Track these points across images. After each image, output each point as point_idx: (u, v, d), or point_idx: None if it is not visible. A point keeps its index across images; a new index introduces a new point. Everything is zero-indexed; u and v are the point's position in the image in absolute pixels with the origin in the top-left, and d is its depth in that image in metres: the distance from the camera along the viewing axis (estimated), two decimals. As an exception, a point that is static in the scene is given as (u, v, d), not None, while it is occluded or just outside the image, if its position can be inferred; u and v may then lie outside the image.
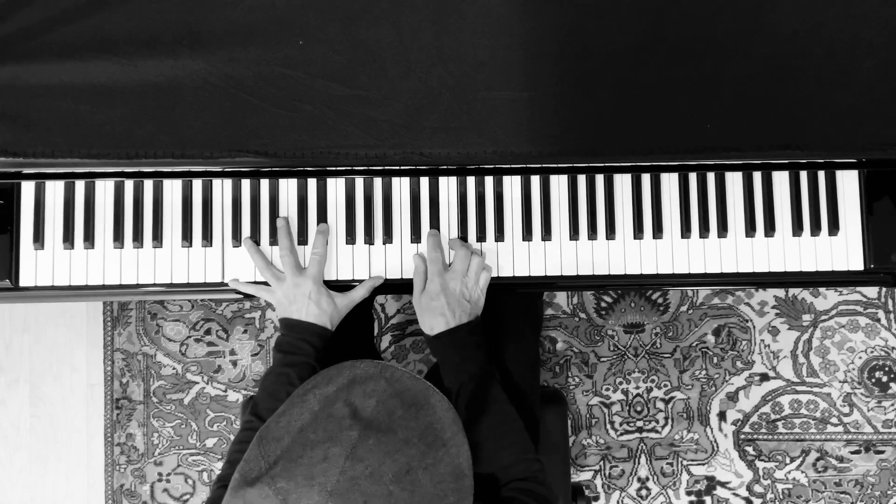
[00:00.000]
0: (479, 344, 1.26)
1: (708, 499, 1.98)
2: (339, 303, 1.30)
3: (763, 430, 1.98)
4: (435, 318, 1.26)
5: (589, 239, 1.34)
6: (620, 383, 1.98)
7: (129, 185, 1.34)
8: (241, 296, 1.35)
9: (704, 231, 1.34)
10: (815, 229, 1.34)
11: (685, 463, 1.98)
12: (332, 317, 1.29)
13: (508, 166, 1.33)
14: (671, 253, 1.35)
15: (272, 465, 0.84)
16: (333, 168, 1.32)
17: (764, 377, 1.98)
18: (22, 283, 1.33)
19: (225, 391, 1.98)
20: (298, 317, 1.27)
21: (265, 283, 1.32)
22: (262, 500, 0.82)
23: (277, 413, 0.89)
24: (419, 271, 1.31)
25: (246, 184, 1.34)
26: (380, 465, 0.82)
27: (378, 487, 0.81)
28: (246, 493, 0.83)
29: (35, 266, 1.34)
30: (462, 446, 0.90)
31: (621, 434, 1.98)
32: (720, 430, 1.98)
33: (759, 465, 1.98)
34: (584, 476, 1.98)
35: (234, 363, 1.99)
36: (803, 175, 1.35)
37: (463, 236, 1.34)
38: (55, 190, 1.34)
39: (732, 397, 1.98)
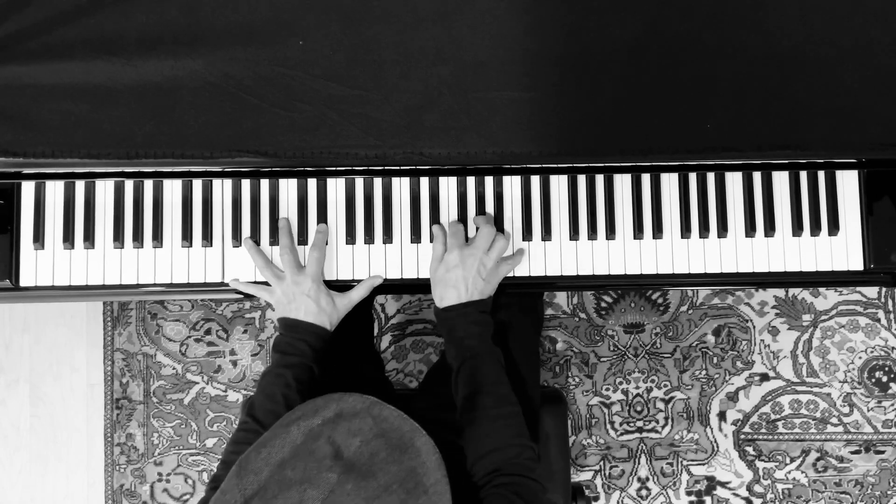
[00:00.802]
0: (487, 323, 1.26)
1: (708, 499, 1.98)
2: (339, 303, 1.30)
3: (763, 430, 1.98)
4: (447, 290, 1.26)
5: (589, 239, 1.34)
6: (620, 383, 1.98)
7: (129, 185, 1.34)
8: (241, 296, 1.35)
9: (704, 231, 1.34)
10: (815, 229, 1.34)
11: (685, 463, 1.98)
12: (331, 316, 1.29)
13: (508, 166, 1.33)
14: (671, 253, 1.35)
15: (248, 499, 0.82)
16: (333, 168, 1.32)
17: (764, 377, 1.98)
18: (22, 283, 1.34)
19: (225, 391, 1.98)
20: (297, 316, 1.27)
21: (266, 284, 1.32)
22: None
23: (259, 442, 0.87)
24: (439, 240, 1.30)
25: (246, 184, 1.34)
26: None
27: None
28: None
29: (35, 266, 1.34)
30: (443, 494, 0.87)
31: (621, 434, 1.98)
32: (720, 430, 1.98)
33: (759, 465, 1.98)
34: (584, 476, 1.98)
35: (234, 363, 1.99)
36: (803, 175, 1.35)
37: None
38: (55, 190, 1.34)
39: (732, 397, 1.98)
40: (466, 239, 1.32)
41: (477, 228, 1.31)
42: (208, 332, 1.99)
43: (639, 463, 1.98)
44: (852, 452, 1.97)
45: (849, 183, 1.35)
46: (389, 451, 0.85)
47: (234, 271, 1.34)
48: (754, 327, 1.98)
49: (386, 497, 0.82)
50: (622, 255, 1.34)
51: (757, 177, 1.35)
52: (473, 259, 1.26)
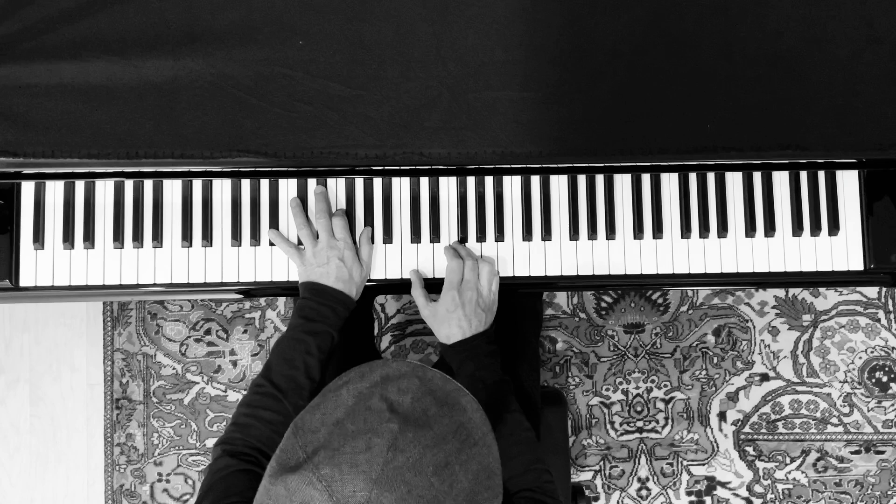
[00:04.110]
0: (494, 352, 1.27)
1: (708, 499, 1.98)
2: (363, 274, 1.30)
3: (763, 431, 1.98)
4: (452, 329, 1.27)
5: (589, 239, 1.34)
6: (620, 383, 1.98)
7: (129, 185, 1.34)
8: (240, 295, 1.35)
9: (704, 231, 1.34)
10: (816, 229, 1.34)
11: (685, 463, 1.98)
12: (358, 286, 1.29)
13: (508, 166, 1.33)
14: (671, 253, 1.35)
15: (312, 454, 0.83)
16: (333, 168, 1.32)
17: (764, 377, 1.98)
18: (22, 283, 1.33)
19: (225, 391, 1.98)
20: (326, 282, 1.26)
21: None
22: (305, 487, 0.82)
23: (311, 406, 0.89)
24: (418, 285, 1.31)
25: (246, 184, 1.34)
26: (420, 458, 0.82)
27: (420, 479, 0.82)
28: (287, 479, 0.83)
29: (35, 266, 1.34)
30: (492, 447, 0.89)
31: (621, 434, 1.98)
32: (720, 430, 1.98)
33: (760, 465, 1.98)
34: (584, 476, 1.98)
35: (234, 363, 1.99)
36: (803, 175, 1.36)
37: (463, 236, 1.34)
38: (55, 190, 1.34)
39: (732, 397, 1.98)
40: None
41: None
42: (208, 332, 1.99)
43: (639, 463, 1.98)
44: (852, 452, 1.97)
45: (849, 183, 1.35)
46: (439, 406, 0.87)
47: (233, 271, 1.34)
48: (754, 327, 1.98)
49: (444, 446, 0.84)
50: (622, 255, 1.34)
51: (757, 177, 1.35)
52: (471, 293, 1.27)
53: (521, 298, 1.54)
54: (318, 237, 1.30)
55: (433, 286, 1.33)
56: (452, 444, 0.85)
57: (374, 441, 0.82)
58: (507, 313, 1.47)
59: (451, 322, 1.26)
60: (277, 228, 1.34)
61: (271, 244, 1.34)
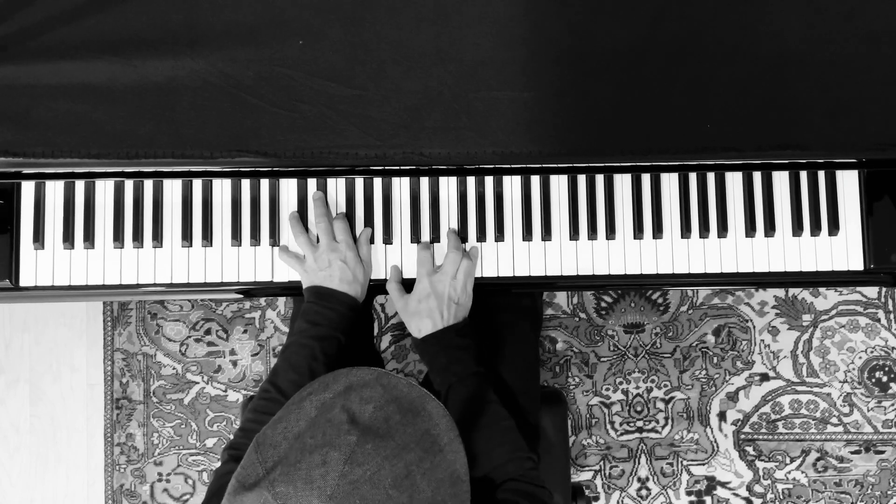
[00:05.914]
0: (468, 346, 1.26)
1: (708, 499, 1.98)
2: (367, 274, 1.30)
3: (763, 431, 1.98)
4: (423, 321, 1.26)
5: (589, 239, 1.34)
6: (620, 383, 1.98)
7: (129, 185, 1.34)
8: (240, 295, 1.35)
9: (704, 231, 1.34)
10: (815, 229, 1.34)
11: (685, 463, 1.98)
12: (363, 286, 1.29)
13: (508, 166, 1.33)
14: (671, 253, 1.35)
15: (270, 469, 0.83)
16: (333, 168, 1.32)
17: (764, 377, 1.98)
18: (22, 283, 1.34)
19: (225, 391, 1.98)
20: (330, 285, 1.26)
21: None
22: None
23: (274, 419, 0.89)
24: (394, 279, 1.32)
25: (246, 184, 1.34)
26: (378, 470, 0.82)
27: (377, 492, 0.81)
28: (244, 498, 0.83)
29: (35, 266, 1.34)
30: (458, 452, 0.89)
31: (621, 434, 1.98)
32: (720, 430, 1.98)
33: (759, 465, 1.98)
34: (584, 476, 1.98)
35: (234, 363, 1.99)
36: (803, 175, 1.36)
37: (463, 236, 1.34)
38: (55, 190, 1.34)
39: (732, 397, 1.98)
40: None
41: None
42: (208, 332, 1.99)
43: (639, 463, 1.98)
44: (852, 452, 1.97)
45: (849, 183, 1.35)
46: (402, 414, 0.86)
47: (233, 271, 1.34)
48: (754, 327, 1.98)
49: (405, 455, 0.84)
50: (622, 255, 1.34)
51: (757, 177, 1.35)
52: (443, 285, 1.27)
53: (521, 298, 1.53)
54: (317, 242, 1.30)
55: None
56: (415, 453, 0.84)
57: (330, 455, 0.82)
58: (506, 313, 1.47)
59: (422, 313, 1.26)
60: (277, 228, 1.34)
61: (271, 245, 1.34)
